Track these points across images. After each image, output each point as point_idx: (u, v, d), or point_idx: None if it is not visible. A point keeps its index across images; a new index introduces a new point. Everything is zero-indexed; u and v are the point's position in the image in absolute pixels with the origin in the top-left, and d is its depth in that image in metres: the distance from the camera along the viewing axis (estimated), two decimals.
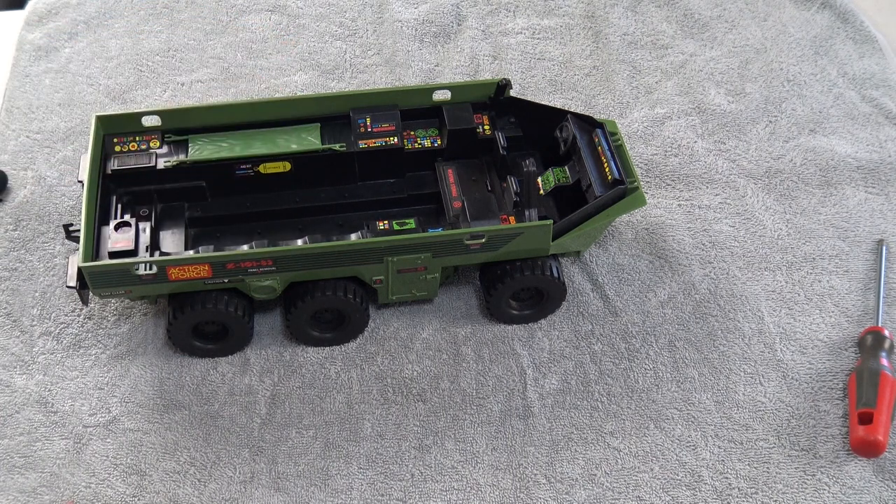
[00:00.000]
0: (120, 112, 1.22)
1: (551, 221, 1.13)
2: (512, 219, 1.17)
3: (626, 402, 1.14)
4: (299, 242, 1.13)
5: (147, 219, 1.18)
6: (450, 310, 1.22)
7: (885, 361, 1.13)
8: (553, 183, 1.20)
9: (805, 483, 1.08)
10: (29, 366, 1.17)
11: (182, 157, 1.20)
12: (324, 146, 1.21)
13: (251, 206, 1.23)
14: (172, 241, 1.18)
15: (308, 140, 1.22)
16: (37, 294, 1.23)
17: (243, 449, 1.11)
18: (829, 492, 1.07)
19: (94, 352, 1.18)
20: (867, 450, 1.07)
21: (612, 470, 1.09)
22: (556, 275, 1.16)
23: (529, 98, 1.39)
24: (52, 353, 1.18)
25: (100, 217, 1.15)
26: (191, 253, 1.13)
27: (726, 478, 1.08)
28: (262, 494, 1.07)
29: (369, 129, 1.23)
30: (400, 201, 1.24)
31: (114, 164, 1.19)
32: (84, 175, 1.17)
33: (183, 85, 1.49)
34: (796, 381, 1.16)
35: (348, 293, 1.13)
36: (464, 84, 1.26)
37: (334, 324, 1.18)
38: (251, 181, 1.22)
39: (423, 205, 1.24)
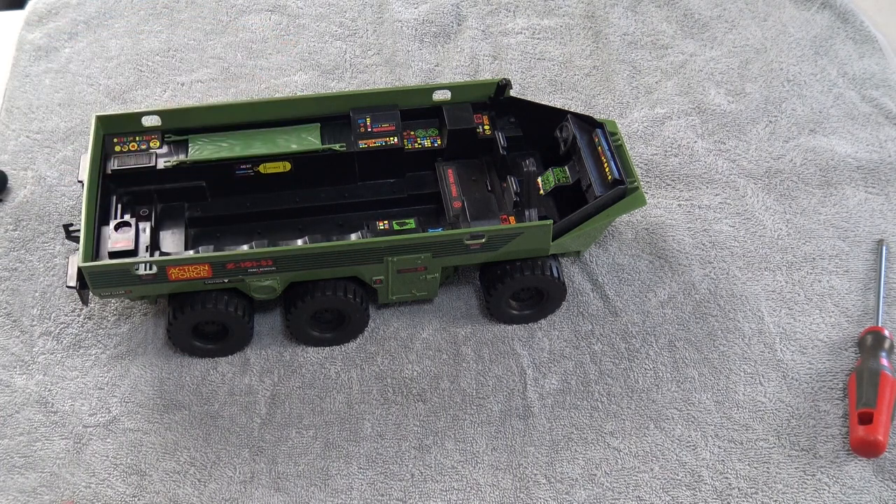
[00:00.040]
0: (120, 112, 1.22)
1: (551, 221, 1.13)
2: (512, 219, 1.17)
3: (626, 402, 1.14)
4: (299, 242, 1.13)
5: (147, 219, 1.18)
6: (450, 310, 1.22)
7: (885, 361, 1.13)
8: (553, 183, 1.20)
9: (805, 483, 1.08)
10: (29, 366, 1.17)
11: (182, 157, 1.20)
12: (324, 146, 1.21)
13: (251, 206, 1.23)
14: (172, 241, 1.18)
15: (308, 140, 1.22)
16: (37, 294, 1.24)
17: (243, 449, 1.11)
18: (829, 492, 1.07)
19: (94, 352, 1.18)
20: (867, 450, 1.07)
21: (612, 470, 1.09)
22: (556, 275, 1.16)
23: (529, 98, 1.39)
24: (52, 353, 1.18)
25: (100, 217, 1.15)
26: (191, 253, 1.13)
27: (726, 478, 1.08)
28: (262, 494, 1.07)
29: (369, 129, 1.23)
30: (400, 201, 1.24)
31: (114, 164, 1.19)
32: (84, 175, 1.17)
33: (183, 85, 1.49)
34: (796, 381, 1.16)
35: (348, 293, 1.13)
36: (464, 84, 1.26)
37: (334, 324, 1.18)
38: (251, 181, 1.22)
39: (423, 205, 1.24)
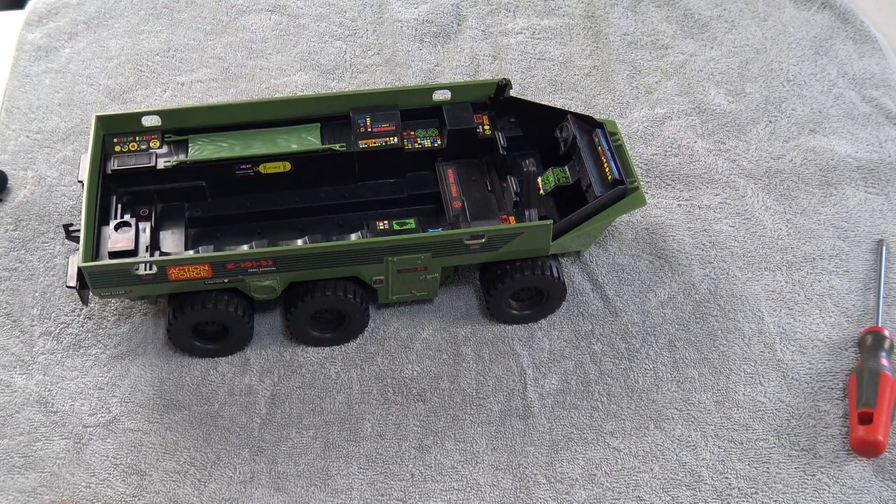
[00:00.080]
0: (120, 112, 1.22)
1: (551, 221, 1.13)
2: (512, 219, 1.17)
3: (626, 402, 1.14)
4: (299, 242, 1.13)
5: (147, 219, 1.18)
6: (450, 310, 1.22)
7: (885, 361, 1.13)
8: (553, 183, 1.20)
9: (805, 483, 1.08)
10: (29, 366, 1.17)
11: (182, 157, 1.20)
12: (324, 146, 1.21)
13: (251, 206, 1.23)
14: (172, 241, 1.18)
15: (308, 140, 1.22)
16: (37, 294, 1.24)
17: (243, 449, 1.11)
18: (829, 492, 1.07)
19: (94, 352, 1.18)
20: (867, 450, 1.07)
21: (612, 470, 1.09)
22: (556, 275, 1.16)
23: (529, 98, 1.39)
24: (52, 353, 1.18)
25: (100, 217, 1.15)
26: (191, 253, 1.13)
27: (726, 478, 1.08)
28: (262, 494, 1.07)
29: (369, 129, 1.23)
30: (400, 201, 1.24)
31: (114, 164, 1.19)
32: (84, 175, 1.17)
33: (183, 85, 1.49)
34: (796, 381, 1.16)
35: (348, 293, 1.13)
36: (464, 84, 1.26)
37: (334, 324, 1.18)
38: (251, 181, 1.22)
39: (423, 205, 1.24)
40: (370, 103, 1.25)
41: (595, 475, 1.08)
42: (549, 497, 1.07)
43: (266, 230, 1.22)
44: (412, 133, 1.25)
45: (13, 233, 1.30)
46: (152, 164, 1.20)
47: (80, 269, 1.08)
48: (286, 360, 1.18)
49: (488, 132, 1.24)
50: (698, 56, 1.53)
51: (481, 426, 1.12)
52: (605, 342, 1.19)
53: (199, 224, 1.22)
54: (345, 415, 1.13)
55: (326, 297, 1.13)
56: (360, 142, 1.22)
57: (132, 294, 1.11)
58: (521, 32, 1.57)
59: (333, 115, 1.24)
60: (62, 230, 1.26)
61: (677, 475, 1.09)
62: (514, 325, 1.21)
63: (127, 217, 1.16)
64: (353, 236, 1.15)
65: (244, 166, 1.21)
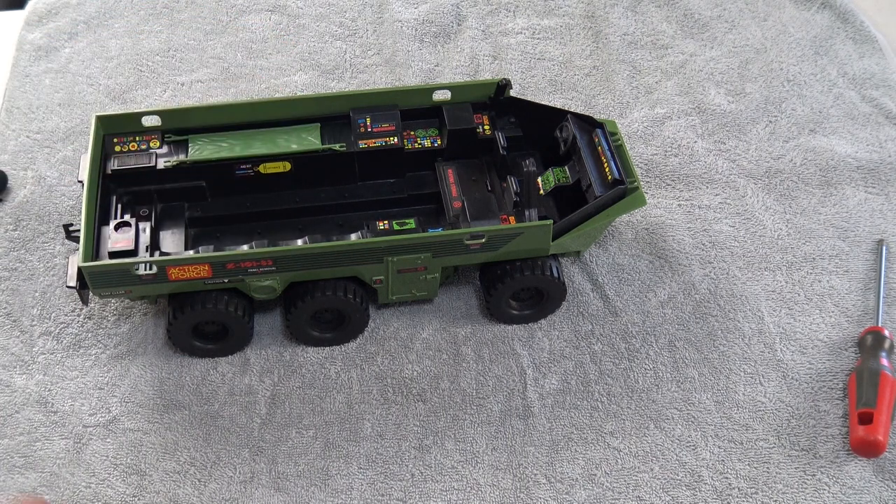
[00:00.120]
0: (120, 112, 1.22)
1: (551, 221, 1.13)
2: (512, 219, 1.17)
3: (626, 402, 1.14)
4: (299, 242, 1.13)
5: (147, 219, 1.18)
6: (450, 310, 1.22)
7: (885, 361, 1.13)
8: (553, 183, 1.20)
9: (805, 483, 1.08)
10: (29, 366, 1.17)
11: (182, 157, 1.20)
12: (324, 146, 1.21)
13: (251, 206, 1.23)
14: (172, 241, 1.18)
15: (308, 140, 1.22)
16: (37, 294, 1.24)
17: (243, 449, 1.11)
18: (829, 492, 1.07)
19: (94, 352, 1.18)
20: (867, 450, 1.07)
21: (612, 470, 1.09)
22: (556, 275, 1.16)
23: (529, 98, 1.39)
24: (52, 353, 1.18)
25: (100, 217, 1.15)
26: (191, 253, 1.13)
27: (726, 478, 1.08)
28: (262, 494, 1.07)
29: (369, 129, 1.23)
30: (400, 201, 1.24)
31: (114, 164, 1.19)
32: (84, 175, 1.17)
33: (183, 85, 1.49)
34: (796, 381, 1.16)
35: (348, 293, 1.13)
36: (464, 84, 1.26)
37: (334, 324, 1.18)
38: (251, 181, 1.22)
39: (423, 205, 1.24)
40: (370, 103, 1.25)
41: (595, 475, 1.08)
42: (549, 497, 1.07)
43: (266, 230, 1.22)
44: (412, 133, 1.25)
45: (13, 233, 1.30)
46: (152, 164, 1.20)
47: (80, 269, 1.08)
48: (286, 360, 1.18)
49: (488, 132, 1.24)
50: (698, 56, 1.53)
51: (481, 426, 1.12)
52: (605, 342, 1.19)
53: (199, 224, 1.22)
54: (345, 415, 1.13)
55: (326, 297, 1.13)
56: (360, 142, 1.22)
57: (132, 294, 1.11)
58: (521, 32, 1.57)
59: (333, 115, 1.24)
60: (62, 230, 1.26)
61: (677, 475, 1.09)
62: (514, 325, 1.21)
63: (127, 217, 1.16)
64: (353, 236, 1.15)
65: (244, 166, 1.21)
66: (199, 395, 1.15)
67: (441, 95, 1.26)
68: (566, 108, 1.30)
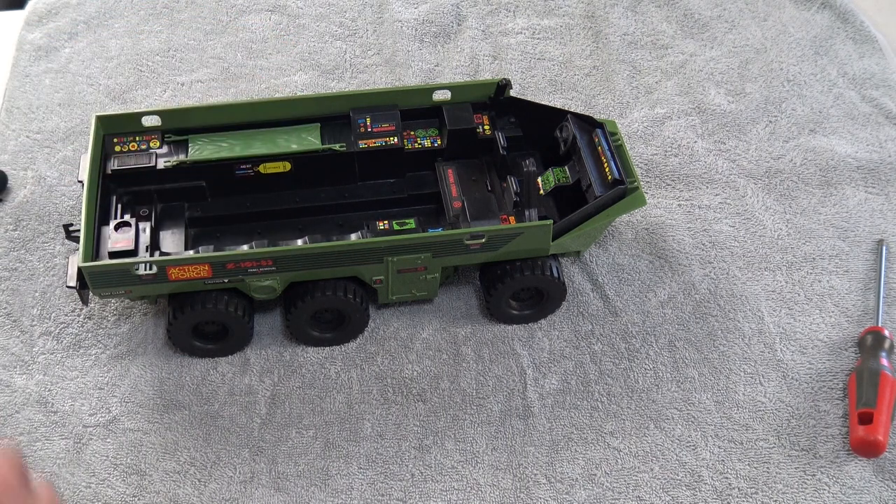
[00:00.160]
0: (120, 112, 1.22)
1: (551, 221, 1.13)
2: (512, 219, 1.17)
3: (626, 402, 1.14)
4: (299, 242, 1.13)
5: (147, 219, 1.18)
6: (450, 310, 1.22)
7: (885, 361, 1.13)
8: (553, 183, 1.20)
9: (805, 483, 1.08)
10: (29, 366, 1.17)
11: (182, 157, 1.20)
12: (324, 146, 1.21)
13: (251, 206, 1.23)
14: (172, 241, 1.18)
15: (308, 140, 1.22)
16: (37, 294, 1.24)
17: (243, 449, 1.11)
18: (829, 492, 1.07)
19: (94, 352, 1.18)
20: (867, 450, 1.07)
21: (612, 470, 1.09)
22: (556, 275, 1.16)
23: (529, 98, 1.39)
24: (52, 353, 1.18)
25: (100, 217, 1.15)
26: (191, 253, 1.13)
27: (726, 478, 1.08)
28: (262, 494, 1.07)
29: (369, 129, 1.23)
30: (400, 201, 1.24)
31: (114, 164, 1.19)
32: (84, 175, 1.17)
33: (183, 85, 1.49)
34: (796, 381, 1.16)
35: (348, 293, 1.13)
36: (464, 84, 1.26)
37: (334, 324, 1.18)
38: (251, 181, 1.22)
39: (423, 205, 1.24)
40: (370, 103, 1.25)
41: (595, 475, 1.08)
42: (549, 497, 1.07)
43: (266, 230, 1.22)
44: (412, 133, 1.25)
45: (13, 233, 1.30)
46: (152, 164, 1.20)
47: (80, 269, 1.08)
48: (286, 360, 1.18)
49: (488, 132, 1.24)
50: (698, 56, 1.53)
51: (481, 426, 1.12)
52: (605, 342, 1.19)
53: (199, 224, 1.22)
54: (345, 415, 1.13)
55: (326, 297, 1.13)
56: (360, 142, 1.22)
57: (132, 294, 1.11)
58: (521, 32, 1.57)
59: (333, 115, 1.24)
60: (62, 230, 1.26)
61: (677, 475, 1.09)
62: (514, 325, 1.21)
63: (127, 217, 1.16)
64: (353, 236, 1.15)
65: (244, 166, 1.21)
66: (199, 395, 1.15)
67: (441, 95, 1.26)
68: (566, 108, 1.30)
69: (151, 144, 1.22)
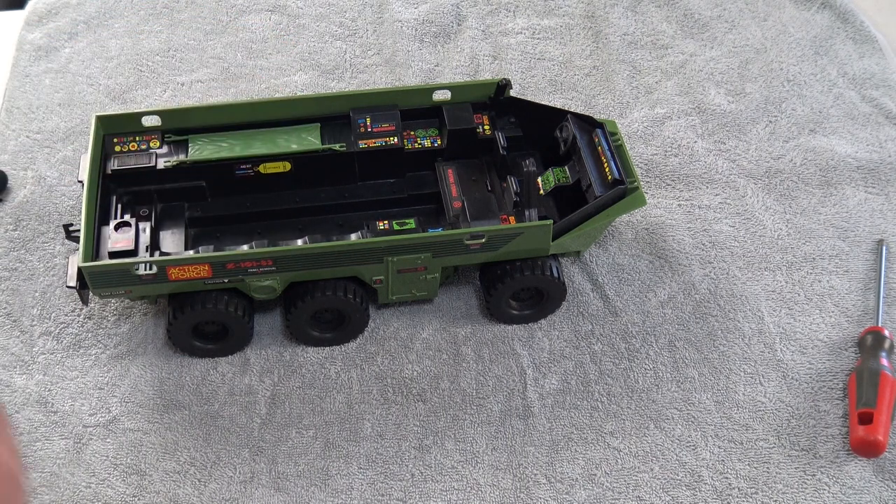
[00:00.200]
0: (120, 112, 1.22)
1: (551, 221, 1.13)
2: (512, 219, 1.17)
3: (626, 402, 1.14)
4: (299, 242, 1.13)
5: (147, 219, 1.18)
6: (450, 310, 1.22)
7: (885, 361, 1.13)
8: (553, 183, 1.20)
9: (805, 483, 1.08)
10: (29, 366, 1.17)
11: (182, 157, 1.20)
12: (324, 146, 1.21)
13: (251, 206, 1.23)
14: (172, 241, 1.18)
15: (308, 140, 1.22)
16: (37, 294, 1.24)
17: (243, 449, 1.11)
18: (829, 492, 1.07)
19: (94, 352, 1.18)
20: (867, 450, 1.07)
21: (612, 470, 1.09)
22: (556, 275, 1.16)
23: (529, 98, 1.39)
24: (52, 353, 1.18)
25: (100, 217, 1.15)
26: (191, 253, 1.13)
27: (726, 478, 1.08)
28: (262, 494, 1.07)
29: (369, 129, 1.23)
30: (400, 201, 1.24)
31: (114, 164, 1.19)
32: (84, 175, 1.17)
33: (183, 85, 1.49)
34: (796, 381, 1.16)
35: (348, 293, 1.13)
36: (464, 84, 1.26)
37: (334, 324, 1.18)
38: (251, 181, 1.22)
39: (423, 205, 1.24)
40: (370, 103, 1.25)
41: (595, 475, 1.08)
42: (549, 497, 1.07)
43: (266, 230, 1.22)
44: (412, 133, 1.25)
45: (13, 233, 1.30)
46: (152, 164, 1.20)
47: (80, 269, 1.08)
48: (286, 360, 1.18)
49: (488, 132, 1.24)
50: (698, 56, 1.53)
51: (481, 426, 1.12)
52: (605, 342, 1.19)
53: (199, 224, 1.22)
54: (345, 415, 1.13)
55: (326, 297, 1.13)
56: (360, 142, 1.22)
57: (132, 294, 1.11)
58: (521, 32, 1.57)
59: (333, 115, 1.24)
60: (62, 230, 1.26)
61: (677, 475, 1.09)
62: (514, 325, 1.21)
63: (127, 217, 1.16)
64: (353, 236, 1.15)
65: (244, 166, 1.21)
66: (199, 395, 1.15)
67: (441, 95, 1.26)
68: (566, 108, 1.30)
69: (151, 144, 1.22)
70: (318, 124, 1.24)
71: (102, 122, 1.21)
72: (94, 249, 1.11)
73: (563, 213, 1.20)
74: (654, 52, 1.54)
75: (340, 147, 1.21)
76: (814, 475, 1.08)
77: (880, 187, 1.35)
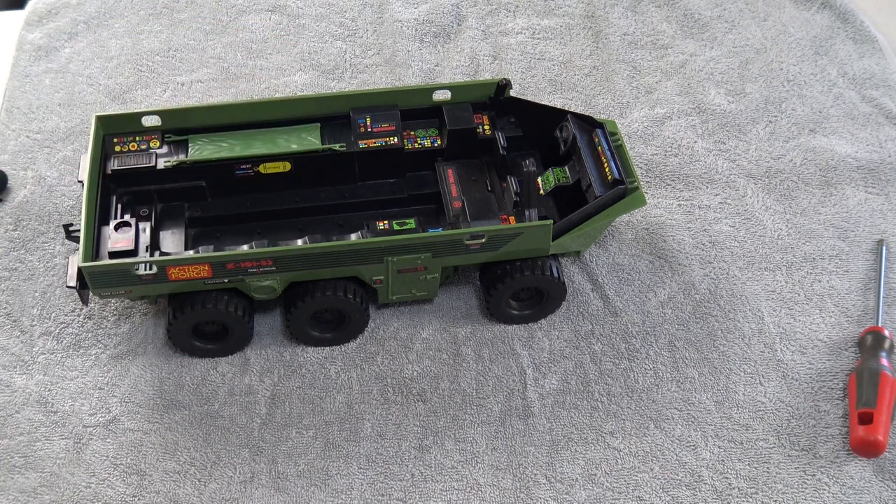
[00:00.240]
0: (120, 112, 1.22)
1: (551, 221, 1.13)
2: (512, 219, 1.17)
3: (626, 402, 1.14)
4: (299, 242, 1.13)
5: (147, 219, 1.18)
6: (450, 310, 1.22)
7: (885, 361, 1.13)
8: (553, 183, 1.20)
9: (805, 483, 1.08)
10: (29, 366, 1.17)
11: (182, 157, 1.20)
12: (324, 146, 1.21)
13: (251, 206, 1.23)
14: (172, 241, 1.18)
15: (308, 140, 1.22)
16: (37, 294, 1.24)
17: (243, 449, 1.11)
18: (829, 492, 1.07)
19: (94, 352, 1.18)
20: (867, 450, 1.07)
21: (612, 470, 1.09)
22: (556, 275, 1.16)
23: (529, 98, 1.39)
24: (52, 353, 1.18)
25: (100, 217, 1.15)
26: (191, 253, 1.13)
27: (726, 478, 1.08)
28: (262, 494, 1.07)
29: (369, 129, 1.23)
30: (400, 201, 1.24)
31: (114, 164, 1.19)
32: (84, 175, 1.17)
33: (183, 85, 1.49)
34: (796, 381, 1.16)
35: (348, 293, 1.13)
36: (464, 84, 1.26)
37: (334, 324, 1.18)
38: (251, 181, 1.22)
39: (423, 205, 1.24)
40: (370, 103, 1.25)
41: (595, 475, 1.08)
42: (549, 497, 1.07)
43: (266, 230, 1.22)
44: (412, 133, 1.25)
45: (13, 233, 1.30)
46: (152, 164, 1.20)
47: (80, 269, 1.08)
48: (286, 360, 1.18)
49: (488, 132, 1.24)
50: (698, 56, 1.53)
51: (481, 426, 1.12)
52: (605, 342, 1.19)
53: (199, 224, 1.22)
54: (345, 415, 1.13)
55: (326, 297, 1.13)
56: (360, 142, 1.22)
57: (132, 294, 1.11)
58: (521, 32, 1.57)
59: (333, 115, 1.24)
60: (62, 230, 1.26)
61: (677, 475, 1.09)
62: (514, 325, 1.21)
63: (127, 217, 1.16)
64: (353, 236, 1.16)
65: (244, 166, 1.21)
66: (199, 395, 1.15)
67: (441, 95, 1.26)
68: (566, 108, 1.30)
69: (151, 144, 1.22)
70: (318, 124, 1.24)
71: (102, 122, 1.21)
72: (94, 249, 1.11)
73: (563, 213, 1.20)
74: (654, 52, 1.54)
75: (340, 147, 1.21)
76: (814, 475, 1.08)
77: (880, 187, 1.35)
